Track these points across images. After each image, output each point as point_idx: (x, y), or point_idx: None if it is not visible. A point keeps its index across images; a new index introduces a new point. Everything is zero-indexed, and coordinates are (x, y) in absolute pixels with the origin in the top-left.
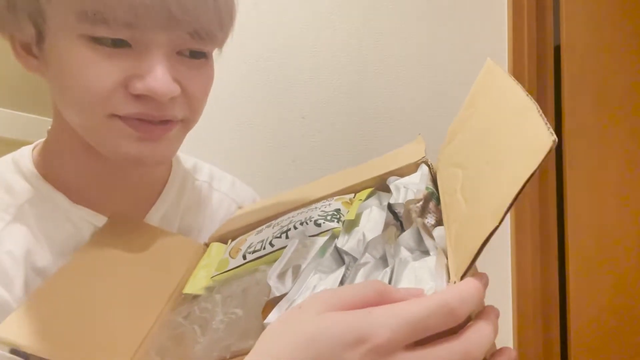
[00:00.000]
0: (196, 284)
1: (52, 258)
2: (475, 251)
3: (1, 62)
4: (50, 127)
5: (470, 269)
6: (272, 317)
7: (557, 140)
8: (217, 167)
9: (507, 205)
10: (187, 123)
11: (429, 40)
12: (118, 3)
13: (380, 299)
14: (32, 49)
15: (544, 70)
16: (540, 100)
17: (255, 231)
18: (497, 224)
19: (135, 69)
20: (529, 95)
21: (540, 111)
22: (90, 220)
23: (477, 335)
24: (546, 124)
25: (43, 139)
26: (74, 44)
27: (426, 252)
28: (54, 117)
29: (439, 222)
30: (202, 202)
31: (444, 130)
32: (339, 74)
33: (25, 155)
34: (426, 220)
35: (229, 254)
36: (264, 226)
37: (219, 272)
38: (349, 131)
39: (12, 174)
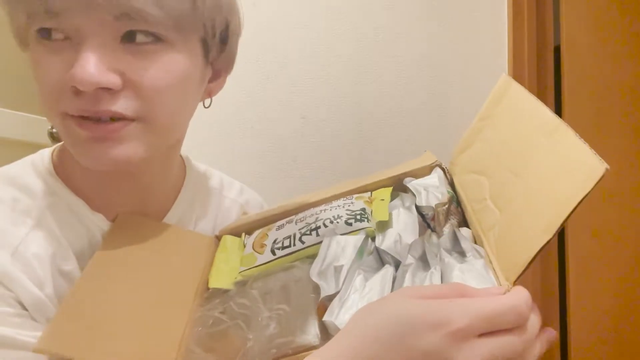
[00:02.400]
0: (222, 279)
1: (75, 262)
2: (528, 260)
3: (1, 62)
4: None
5: (521, 275)
6: (329, 315)
7: (609, 167)
8: (218, 168)
9: (562, 221)
10: (146, 121)
11: (429, 40)
12: None
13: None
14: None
15: (544, 70)
16: (540, 100)
17: (275, 226)
18: (550, 237)
19: (73, 60)
20: (557, 116)
21: (576, 133)
22: (104, 227)
23: (531, 326)
24: (591, 149)
25: (58, 148)
26: (33, 42)
27: (462, 253)
28: None
29: (460, 223)
30: (213, 209)
31: (443, 130)
32: (339, 73)
33: (45, 159)
34: (450, 222)
35: (254, 249)
36: (283, 221)
37: (247, 267)
38: (349, 131)
39: (33, 178)
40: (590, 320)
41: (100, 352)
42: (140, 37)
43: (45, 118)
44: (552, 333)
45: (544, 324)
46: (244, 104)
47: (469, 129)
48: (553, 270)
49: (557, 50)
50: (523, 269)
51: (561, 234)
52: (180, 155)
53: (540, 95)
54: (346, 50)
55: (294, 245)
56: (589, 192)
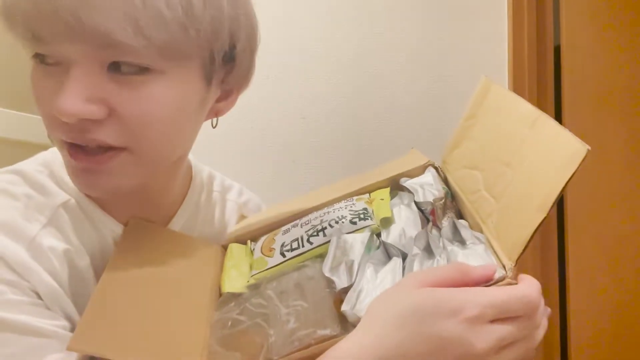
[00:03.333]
0: (234, 283)
1: (89, 259)
2: (527, 239)
3: (1, 62)
4: None
5: (522, 254)
6: (346, 305)
7: (590, 148)
8: (217, 169)
9: (553, 200)
10: (134, 153)
11: (429, 41)
12: (21, 16)
13: (464, 276)
14: None
15: (544, 70)
16: (540, 100)
17: (280, 230)
18: (544, 215)
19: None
20: (537, 108)
21: (555, 121)
22: (115, 229)
23: (539, 313)
24: (572, 134)
25: None
26: (33, 64)
27: (462, 242)
28: None
29: (457, 216)
30: (216, 213)
31: (444, 130)
32: (339, 74)
33: (58, 159)
34: (448, 215)
35: (263, 253)
36: (288, 226)
37: (259, 271)
38: (349, 131)
39: (45, 177)
40: (590, 320)
41: (134, 351)
42: (125, 68)
43: None
44: (549, 311)
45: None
46: (244, 104)
47: (456, 130)
48: (553, 270)
49: (557, 50)
50: (523, 247)
51: (561, 234)
52: (188, 159)
53: (540, 95)
54: (346, 51)
55: (303, 246)
56: (575, 171)
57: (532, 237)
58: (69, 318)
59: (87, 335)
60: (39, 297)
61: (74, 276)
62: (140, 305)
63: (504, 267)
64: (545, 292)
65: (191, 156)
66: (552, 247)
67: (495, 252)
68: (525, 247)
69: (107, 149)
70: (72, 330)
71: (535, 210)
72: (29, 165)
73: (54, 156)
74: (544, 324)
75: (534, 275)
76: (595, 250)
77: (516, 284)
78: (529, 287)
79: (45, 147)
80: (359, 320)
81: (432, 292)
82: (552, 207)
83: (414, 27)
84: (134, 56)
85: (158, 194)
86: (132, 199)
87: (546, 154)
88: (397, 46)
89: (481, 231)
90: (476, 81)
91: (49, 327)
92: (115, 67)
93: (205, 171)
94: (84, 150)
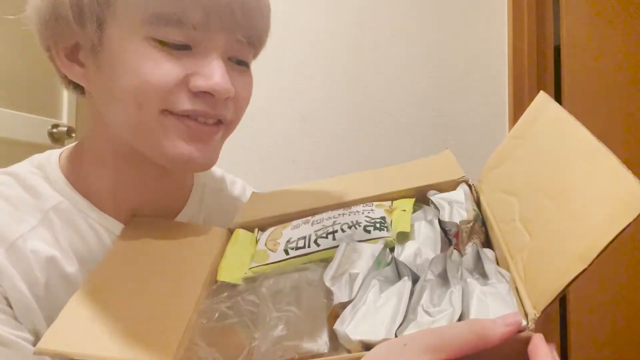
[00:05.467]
0: (231, 272)
1: (78, 265)
2: (560, 289)
3: (1, 62)
4: (85, 137)
5: (550, 305)
6: (340, 324)
7: None
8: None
9: (599, 250)
10: (229, 128)
11: (429, 41)
12: (193, 5)
13: (480, 341)
14: (79, 55)
15: (544, 70)
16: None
17: (290, 225)
18: (585, 266)
19: (196, 67)
20: (595, 137)
21: (617, 158)
22: (114, 230)
23: None
24: (634, 176)
25: (71, 146)
26: (139, 46)
27: (485, 275)
28: (92, 126)
29: (483, 244)
30: (219, 208)
31: (443, 131)
32: (339, 74)
33: (53, 162)
34: (473, 241)
35: (266, 246)
36: (299, 221)
37: (258, 264)
38: (349, 131)
39: (38, 179)
40: (590, 319)
41: (98, 347)
42: (241, 62)
43: (45, 118)
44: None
45: (544, 323)
46: None
47: (500, 147)
48: None
49: (557, 50)
50: (553, 298)
51: None
52: None
53: None
54: (346, 51)
55: (309, 246)
56: (632, 222)
57: (566, 288)
58: (35, 333)
59: (56, 335)
60: (9, 304)
61: (57, 284)
62: (126, 297)
63: (527, 315)
64: None
65: None
66: None
67: (519, 296)
68: (556, 298)
69: (217, 123)
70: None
71: (576, 258)
72: (23, 167)
73: (49, 158)
74: None
75: None
76: None
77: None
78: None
79: (45, 147)
80: (349, 342)
81: None
82: (596, 258)
83: (414, 27)
84: (255, 52)
85: (168, 191)
86: (142, 197)
87: (600, 194)
88: (396, 46)
89: (507, 268)
90: (476, 81)
91: (9, 336)
92: (232, 59)
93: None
94: (196, 123)
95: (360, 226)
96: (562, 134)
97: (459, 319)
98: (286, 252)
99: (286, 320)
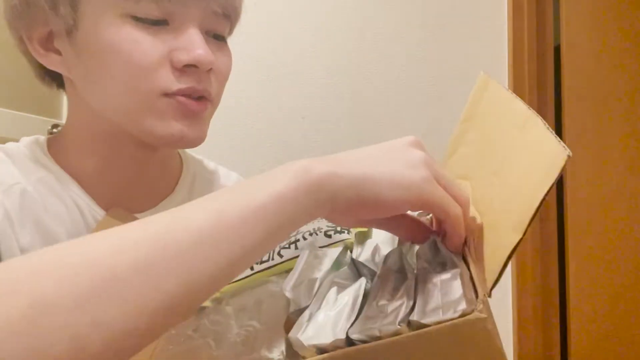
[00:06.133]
0: None
1: (65, 228)
2: (501, 265)
3: (1, 62)
4: (67, 124)
5: (497, 282)
6: (295, 332)
7: (571, 154)
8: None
9: (529, 218)
10: (213, 104)
11: (429, 41)
12: None
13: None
14: (55, 43)
15: (544, 70)
16: (540, 101)
17: None
18: (520, 236)
19: (176, 42)
20: (530, 107)
21: (545, 123)
22: (96, 212)
23: None
24: (556, 137)
25: (51, 136)
26: (115, 24)
27: (443, 264)
28: (72, 112)
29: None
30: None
31: (443, 132)
32: (338, 74)
33: (40, 140)
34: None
35: None
36: None
37: None
38: (349, 131)
39: (25, 150)
40: (590, 320)
41: None
42: (218, 36)
43: (45, 118)
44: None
45: (544, 323)
46: (244, 104)
47: (453, 134)
48: (553, 270)
49: (557, 50)
50: (497, 275)
51: (561, 234)
52: (179, 153)
53: (541, 96)
54: (346, 51)
55: (272, 259)
56: (554, 183)
57: (507, 261)
58: None
59: None
60: None
61: (42, 238)
62: None
63: (477, 296)
64: (545, 292)
65: (189, 152)
66: (552, 247)
67: (471, 278)
68: (500, 273)
69: (203, 99)
70: None
71: (511, 230)
72: (9, 144)
73: (36, 139)
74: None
75: (534, 275)
76: (595, 250)
77: (485, 317)
78: None
79: None
80: (304, 349)
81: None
82: (528, 225)
83: (413, 27)
84: (230, 26)
85: (152, 174)
86: (124, 180)
87: (530, 161)
88: (396, 46)
89: (463, 252)
90: (476, 81)
91: None
92: (209, 33)
93: (197, 158)
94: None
95: (321, 232)
96: (501, 110)
97: (411, 310)
98: (251, 267)
99: (245, 336)
